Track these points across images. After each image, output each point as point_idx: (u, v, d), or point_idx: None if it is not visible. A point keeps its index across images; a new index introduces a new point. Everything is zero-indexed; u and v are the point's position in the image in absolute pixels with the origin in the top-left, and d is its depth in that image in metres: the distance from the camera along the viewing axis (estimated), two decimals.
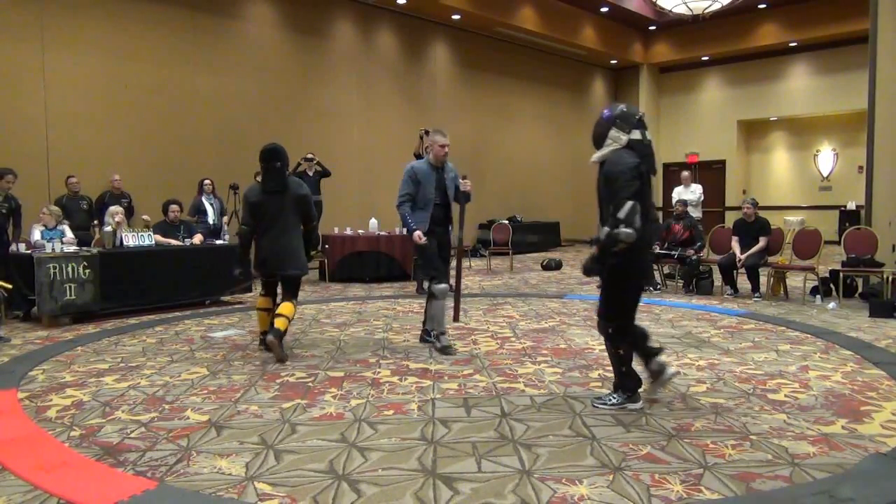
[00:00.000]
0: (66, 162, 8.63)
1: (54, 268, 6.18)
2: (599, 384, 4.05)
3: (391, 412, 3.55)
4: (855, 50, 13.93)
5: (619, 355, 3.58)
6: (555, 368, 4.46)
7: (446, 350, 4.94)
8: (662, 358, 3.58)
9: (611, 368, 3.69)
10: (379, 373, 4.41)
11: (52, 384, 4.21)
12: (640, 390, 3.61)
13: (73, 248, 6.69)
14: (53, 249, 6.43)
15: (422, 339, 5.34)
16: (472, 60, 14.67)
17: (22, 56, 8.44)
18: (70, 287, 6.27)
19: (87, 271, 6.41)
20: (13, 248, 6.61)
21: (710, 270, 8.25)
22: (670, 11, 12.95)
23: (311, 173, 9.97)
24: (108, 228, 7.11)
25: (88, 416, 3.55)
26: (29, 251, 6.57)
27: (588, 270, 3.46)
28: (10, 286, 5.96)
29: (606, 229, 3.30)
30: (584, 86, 17.88)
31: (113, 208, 7.52)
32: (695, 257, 8.09)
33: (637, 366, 3.61)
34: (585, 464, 2.81)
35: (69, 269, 6.29)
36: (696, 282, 8.15)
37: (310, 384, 4.13)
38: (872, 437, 3.11)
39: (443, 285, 4.99)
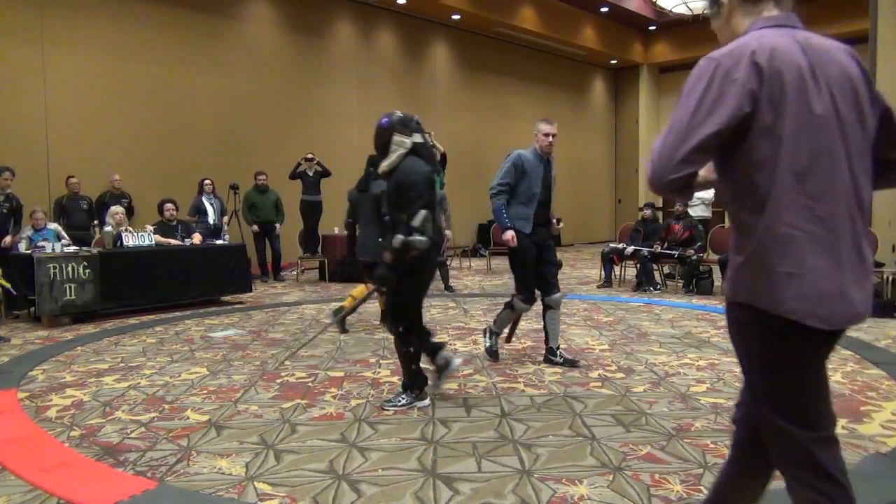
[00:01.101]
0: (66, 162, 8.63)
1: (54, 268, 6.18)
2: (599, 384, 4.05)
3: (391, 412, 3.55)
4: (855, 50, 13.92)
5: (410, 354, 3.63)
6: (555, 368, 4.46)
7: (573, 364, 4.45)
8: (446, 352, 3.73)
9: (611, 367, 3.69)
10: (379, 373, 4.41)
11: (52, 384, 4.21)
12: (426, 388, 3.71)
13: (73, 248, 6.70)
14: (53, 249, 6.43)
15: (546, 360, 4.63)
16: (472, 60, 14.68)
17: (22, 56, 8.44)
18: (70, 287, 6.27)
19: (87, 271, 6.41)
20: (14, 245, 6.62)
21: (710, 270, 8.26)
22: (670, 11, 12.97)
23: (311, 173, 9.98)
24: (109, 228, 7.11)
25: (88, 416, 3.55)
26: (28, 251, 6.57)
27: (383, 280, 3.58)
28: (8, 284, 5.98)
29: (400, 237, 3.38)
30: (584, 86, 17.89)
31: (113, 208, 7.53)
32: (695, 257, 8.09)
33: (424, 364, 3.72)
34: (585, 464, 2.81)
35: (69, 269, 6.29)
36: (696, 282, 8.15)
37: (310, 384, 4.13)
38: (872, 437, 3.11)
39: (525, 305, 4.47)
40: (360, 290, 5.99)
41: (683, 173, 1.43)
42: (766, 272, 1.44)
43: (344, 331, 5.81)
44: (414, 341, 3.64)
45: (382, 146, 3.55)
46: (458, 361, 3.79)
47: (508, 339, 4.97)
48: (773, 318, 1.45)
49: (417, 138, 3.54)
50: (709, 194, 9.69)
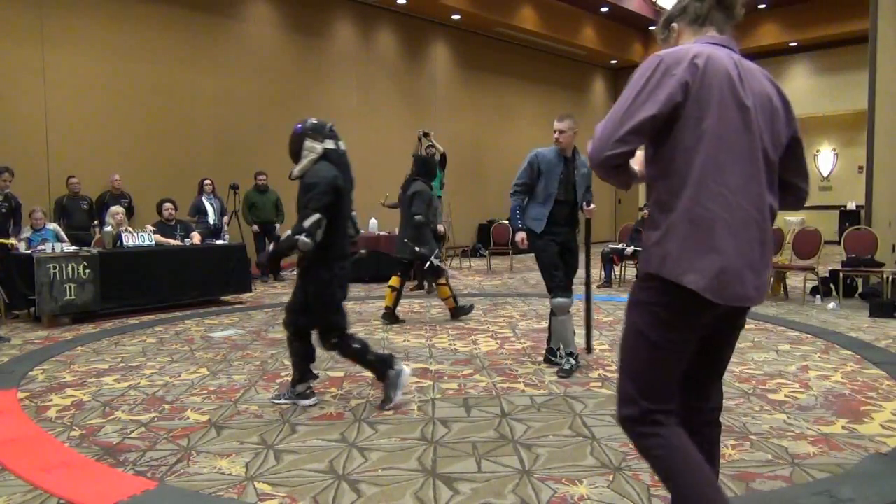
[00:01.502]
0: (66, 162, 8.63)
1: (54, 268, 6.18)
2: (599, 384, 4.05)
3: (391, 412, 3.55)
4: (855, 50, 13.92)
5: (358, 350, 3.60)
6: (555, 368, 4.45)
7: (569, 374, 4.24)
8: (398, 365, 3.66)
9: (611, 367, 3.69)
10: None
11: (52, 384, 4.21)
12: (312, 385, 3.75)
13: (73, 248, 6.69)
14: (53, 249, 6.43)
15: (546, 360, 4.58)
16: (471, 60, 14.68)
17: (22, 56, 8.44)
18: (70, 287, 6.27)
19: (87, 271, 6.40)
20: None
21: None
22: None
23: None
24: (108, 228, 7.11)
25: (88, 416, 3.55)
26: (28, 251, 6.57)
27: (259, 264, 3.68)
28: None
29: (289, 233, 3.40)
30: (584, 86, 17.89)
31: (114, 208, 7.53)
32: None
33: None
34: (585, 464, 2.81)
35: (69, 269, 6.29)
36: None
37: (310, 384, 4.12)
38: (872, 437, 3.11)
39: (561, 299, 4.26)
40: (444, 290, 6.38)
41: (618, 151, 1.61)
42: (678, 247, 1.62)
43: (398, 321, 6.33)
44: (351, 347, 3.60)
45: (295, 153, 3.55)
46: (408, 371, 3.72)
47: (588, 349, 4.82)
48: (674, 286, 1.62)
49: (329, 144, 3.53)
50: None
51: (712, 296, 1.60)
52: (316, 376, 3.87)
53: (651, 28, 17.01)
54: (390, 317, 6.28)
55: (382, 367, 3.61)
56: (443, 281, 6.40)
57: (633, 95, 1.63)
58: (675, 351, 1.70)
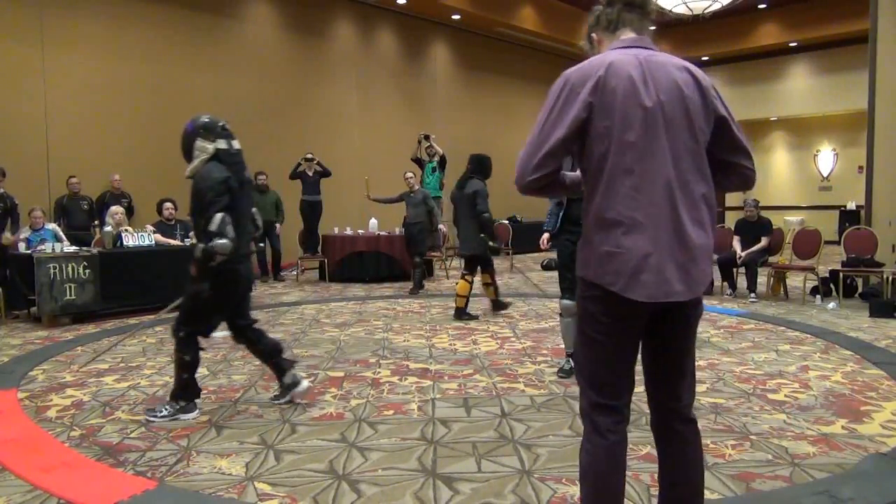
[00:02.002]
0: (66, 162, 8.63)
1: (54, 268, 6.18)
2: None
3: (391, 412, 3.55)
4: (855, 50, 13.92)
5: (186, 362, 3.51)
6: (555, 368, 4.46)
7: (569, 374, 4.21)
8: (296, 371, 3.65)
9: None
10: (379, 373, 4.41)
11: (52, 384, 4.21)
12: (197, 400, 3.61)
13: (73, 248, 6.69)
14: (53, 249, 6.43)
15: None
16: (472, 60, 14.67)
17: (22, 56, 8.44)
18: (70, 287, 6.27)
19: (87, 271, 6.40)
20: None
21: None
22: (670, 11, 12.95)
23: (310, 173, 9.98)
24: (108, 228, 7.11)
25: (88, 416, 3.55)
26: (28, 251, 6.56)
27: (196, 293, 3.44)
28: None
29: (200, 246, 3.32)
30: None
31: (114, 208, 7.52)
32: None
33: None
34: None
35: (69, 269, 6.29)
36: None
37: (310, 384, 4.12)
38: (872, 437, 3.11)
39: (567, 301, 4.17)
40: (462, 286, 6.43)
41: (538, 175, 1.71)
42: (594, 250, 1.70)
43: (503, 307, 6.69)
44: (192, 350, 3.52)
45: (187, 152, 3.50)
46: (306, 384, 3.71)
47: None
48: (599, 287, 1.69)
49: (221, 144, 3.47)
50: None
51: (631, 294, 1.64)
52: (293, 363, 3.80)
53: (651, 28, 17.02)
54: (499, 304, 6.64)
55: (186, 393, 3.55)
56: (489, 275, 6.59)
57: (543, 119, 1.72)
58: (611, 347, 1.74)
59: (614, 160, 1.66)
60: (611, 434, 1.74)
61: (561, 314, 4.32)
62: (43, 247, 6.56)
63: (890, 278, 6.81)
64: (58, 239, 7.02)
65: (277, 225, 9.73)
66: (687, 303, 1.71)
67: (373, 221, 10.14)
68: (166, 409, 3.49)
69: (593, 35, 1.90)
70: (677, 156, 1.67)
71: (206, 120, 3.52)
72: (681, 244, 1.65)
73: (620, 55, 1.72)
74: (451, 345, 5.27)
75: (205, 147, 3.46)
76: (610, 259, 1.67)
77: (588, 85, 1.68)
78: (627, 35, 1.81)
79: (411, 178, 8.63)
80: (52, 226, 7.26)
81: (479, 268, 6.48)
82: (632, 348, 1.77)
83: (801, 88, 16.40)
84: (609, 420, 1.75)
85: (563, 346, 5.17)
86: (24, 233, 7.00)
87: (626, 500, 2.46)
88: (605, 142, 1.67)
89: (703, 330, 5.80)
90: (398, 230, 9.87)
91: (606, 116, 1.66)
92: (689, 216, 1.67)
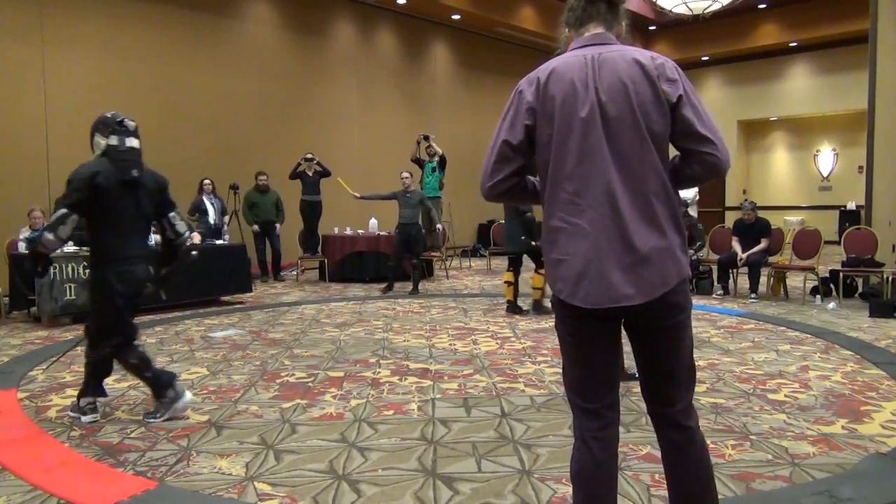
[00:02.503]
0: (66, 162, 8.55)
1: (54, 268, 6.17)
2: None
3: (391, 412, 3.55)
4: (855, 50, 13.93)
5: (137, 364, 3.43)
6: (555, 368, 4.46)
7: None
8: (180, 388, 3.49)
9: None
10: (379, 373, 4.41)
11: (52, 384, 4.21)
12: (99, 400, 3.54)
13: (73, 248, 6.69)
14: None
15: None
16: (472, 60, 14.67)
17: (22, 55, 8.43)
18: (70, 287, 6.27)
19: (88, 271, 6.39)
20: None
21: (710, 270, 8.26)
22: (670, 11, 12.95)
23: (310, 173, 9.98)
24: None
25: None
26: (27, 251, 6.56)
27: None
28: None
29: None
30: None
31: None
32: (694, 257, 8.08)
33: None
34: None
35: (69, 269, 6.29)
36: (695, 282, 8.15)
37: (310, 384, 4.13)
38: (872, 437, 3.11)
39: None
40: (537, 279, 6.73)
41: (495, 180, 1.74)
42: (546, 258, 1.72)
43: (546, 312, 6.66)
44: (132, 352, 3.43)
45: (91, 146, 3.49)
46: (188, 397, 3.56)
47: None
48: (557, 298, 1.70)
49: (113, 140, 3.43)
50: (690, 193, 9.68)
51: (579, 301, 1.62)
52: (104, 394, 3.65)
53: (651, 28, 17.03)
54: (514, 307, 6.73)
55: (160, 387, 3.45)
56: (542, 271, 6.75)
57: (498, 126, 1.75)
58: (581, 349, 1.73)
59: (555, 167, 1.67)
60: (595, 443, 1.71)
61: None
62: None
63: (890, 278, 6.81)
64: None
65: (277, 225, 9.74)
66: (656, 306, 1.62)
67: (373, 221, 10.14)
68: (161, 411, 3.47)
69: (566, 32, 1.87)
70: (622, 156, 1.62)
71: (107, 115, 3.50)
72: (625, 246, 1.59)
73: (567, 58, 1.71)
74: (451, 345, 5.28)
75: (99, 143, 3.44)
76: (558, 266, 1.67)
77: (531, 91, 1.70)
78: (592, 31, 1.76)
79: (407, 178, 8.61)
80: None
81: (518, 267, 6.80)
82: (604, 351, 1.72)
83: (801, 88, 16.40)
84: (592, 425, 1.72)
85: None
86: (24, 233, 6.99)
87: (626, 500, 2.46)
88: (548, 149, 1.68)
89: (704, 330, 5.81)
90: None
91: (548, 124, 1.67)
92: (636, 216, 1.60)
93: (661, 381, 1.75)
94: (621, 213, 1.60)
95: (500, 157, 1.72)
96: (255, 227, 9.57)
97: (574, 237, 1.63)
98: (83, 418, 3.45)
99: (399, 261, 8.56)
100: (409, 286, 8.48)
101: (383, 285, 8.62)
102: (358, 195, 9.11)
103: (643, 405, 3.54)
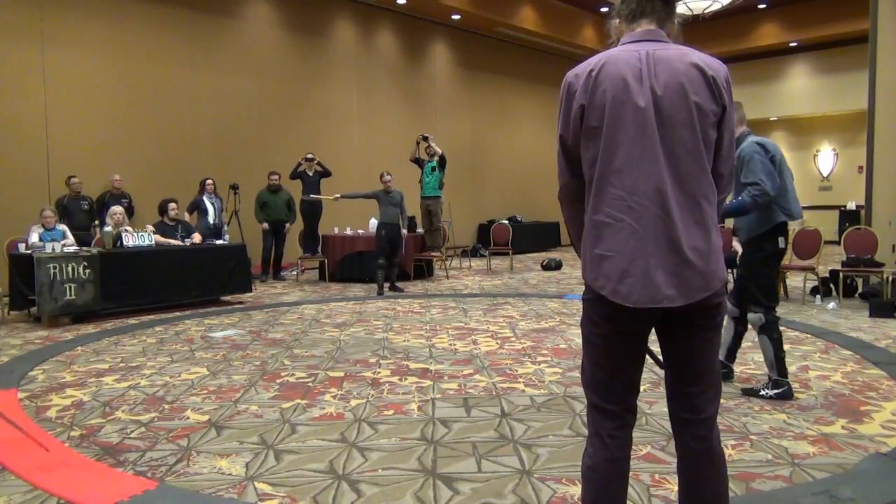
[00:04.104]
0: (66, 162, 8.63)
1: (54, 268, 6.18)
2: None
3: (391, 412, 3.55)
4: (855, 50, 13.93)
5: None
6: (555, 368, 4.46)
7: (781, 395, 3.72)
8: None
9: None
10: (379, 373, 4.41)
11: (52, 384, 4.21)
12: None
13: (73, 248, 6.69)
14: (53, 250, 6.43)
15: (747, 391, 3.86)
16: (471, 60, 14.67)
17: (22, 56, 8.44)
18: (70, 287, 6.27)
19: (87, 271, 6.41)
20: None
21: None
22: None
23: (311, 173, 9.99)
24: (108, 228, 7.11)
25: (88, 416, 3.55)
26: (29, 251, 6.56)
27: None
28: None
29: None
30: None
31: (114, 208, 7.52)
32: None
33: None
34: None
35: (69, 269, 6.29)
36: None
37: (310, 384, 4.13)
38: (872, 437, 3.11)
39: (752, 314, 3.76)
40: None
41: (561, 184, 1.78)
42: (589, 253, 1.67)
43: None
44: None
45: None
46: None
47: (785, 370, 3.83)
48: (592, 290, 1.67)
49: None
50: None
51: (621, 299, 1.59)
52: None
53: (675, 19, 17.02)
54: None
55: None
56: None
57: (557, 126, 1.74)
58: (608, 350, 1.69)
59: (604, 161, 1.62)
60: (611, 441, 1.69)
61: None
62: (42, 242, 6.58)
63: (890, 278, 6.81)
64: (65, 237, 7.03)
65: (288, 224, 9.78)
66: (694, 308, 1.60)
67: (373, 221, 10.12)
68: None
69: (615, 21, 1.82)
70: (675, 155, 1.59)
71: None
72: (671, 247, 1.57)
73: (620, 52, 1.67)
74: (451, 345, 5.28)
75: None
76: (601, 262, 1.63)
77: (580, 85, 1.66)
78: (644, 27, 1.72)
79: (389, 179, 8.64)
80: (62, 226, 7.25)
81: None
82: (631, 353, 1.70)
83: (801, 88, 16.40)
84: (609, 425, 1.70)
85: (562, 345, 5.18)
86: (37, 231, 6.96)
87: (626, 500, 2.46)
88: (596, 143, 1.63)
89: None
90: (404, 231, 9.91)
91: (598, 117, 1.62)
92: (685, 218, 1.58)
93: (688, 385, 1.70)
94: (671, 214, 1.57)
95: (562, 157, 1.73)
96: (266, 225, 9.60)
97: (621, 234, 1.59)
98: None
99: (389, 259, 8.55)
100: (409, 284, 8.47)
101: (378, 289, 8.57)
102: (338, 196, 9.11)
103: (642, 405, 3.56)
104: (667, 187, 1.58)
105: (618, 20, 1.80)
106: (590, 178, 1.67)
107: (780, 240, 3.73)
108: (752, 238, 3.79)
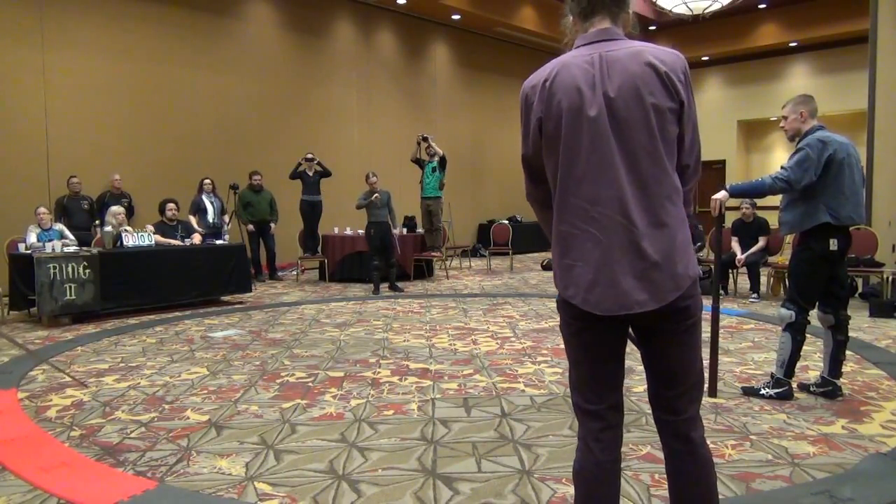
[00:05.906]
0: (66, 162, 8.63)
1: (54, 268, 6.18)
2: None
3: (391, 412, 3.55)
4: (855, 50, 13.93)
5: None
6: (555, 368, 4.46)
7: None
8: None
9: None
10: (379, 373, 4.41)
11: (52, 384, 4.21)
12: None
13: (73, 248, 6.69)
14: (53, 249, 6.43)
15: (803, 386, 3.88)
16: (472, 60, 14.67)
17: (22, 56, 8.44)
18: (70, 287, 6.27)
19: (87, 271, 6.41)
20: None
21: (710, 270, 8.25)
22: (670, 11, 12.94)
23: (311, 173, 9.99)
24: (109, 228, 7.11)
25: (88, 416, 3.55)
26: (28, 251, 6.56)
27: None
28: None
29: None
30: None
31: (114, 208, 7.52)
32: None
33: None
34: None
35: (69, 269, 6.29)
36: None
37: (310, 384, 4.13)
38: (872, 437, 3.11)
39: (784, 310, 3.66)
40: None
41: (527, 192, 1.81)
42: (556, 264, 1.69)
43: None
44: None
45: None
46: None
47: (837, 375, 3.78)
48: (565, 301, 1.67)
49: None
50: None
51: (590, 308, 1.59)
52: None
53: (651, 28, 17.03)
54: None
55: None
56: None
57: (522, 139, 1.75)
58: (584, 350, 1.70)
59: (564, 172, 1.62)
60: (596, 444, 1.70)
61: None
62: (39, 242, 6.58)
63: (890, 278, 6.81)
64: (63, 236, 7.03)
65: (272, 224, 9.77)
66: (668, 309, 1.59)
67: None
68: None
69: (569, 20, 1.79)
70: (634, 159, 1.57)
71: None
72: (637, 253, 1.56)
73: (572, 58, 1.65)
74: (451, 345, 5.28)
75: None
76: (569, 271, 1.63)
77: (536, 97, 1.65)
78: (597, 26, 1.68)
79: (375, 180, 8.64)
80: (59, 226, 7.26)
81: None
82: (608, 351, 1.69)
83: (801, 88, 16.36)
84: (594, 426, 1.71)
85: (562, 345, 5.16)
86: (34, 231, 6.97)
87: (626, 500, 2.46)
88: (556, 154, 1.63)
89: (703, 330, 5.79)
90: (404, 230, 9.91)
91: (554, 128, 1.62)
92: (649, 221, 1.57)
93: (666, 387, 1.71)
94: (633, 220, 1.56)
95: (529, 169, 1.76)
96: (250, 226, 9.60)
97: (586, 244, 1.60)
98: None
99: (384, 259, 8.54)
100: (409, 284, 8.47)
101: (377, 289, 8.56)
102: (356, 207, 9.07)
103: (642, 405, 3.56)
104: (626, 194, 1.57)
105: (571, 18, 1.78)
106: (553, 187, 1.68)
107: (833, 241, 3.54)
108: (800, 235, 3.69)
